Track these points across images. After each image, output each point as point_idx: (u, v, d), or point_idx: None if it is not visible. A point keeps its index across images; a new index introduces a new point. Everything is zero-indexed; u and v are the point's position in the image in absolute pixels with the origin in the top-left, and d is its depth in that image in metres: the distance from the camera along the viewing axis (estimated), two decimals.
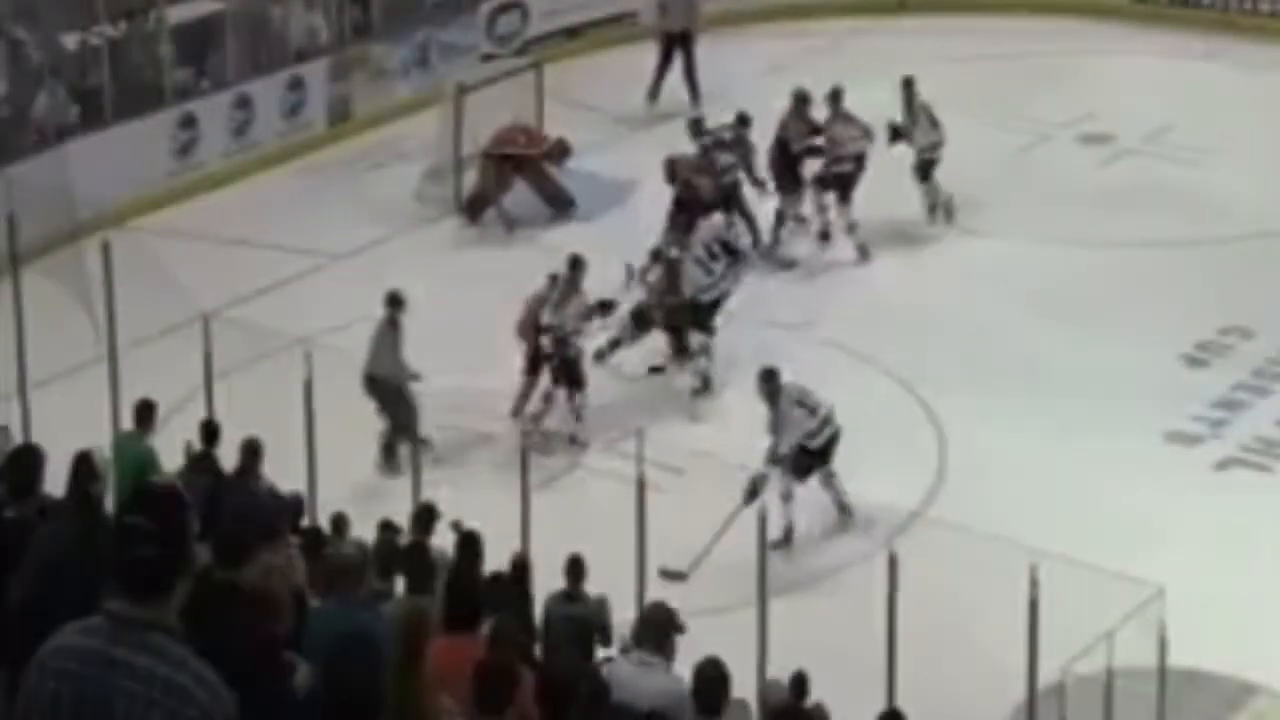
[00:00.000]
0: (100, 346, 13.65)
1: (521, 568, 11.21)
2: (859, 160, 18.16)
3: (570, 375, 15.34)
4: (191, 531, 4.12)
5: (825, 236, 18.41)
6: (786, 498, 14.02)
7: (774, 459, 13.96)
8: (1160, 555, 12.77)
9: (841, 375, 16.00)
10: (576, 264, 15.63)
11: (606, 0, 23.53)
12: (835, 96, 18.39)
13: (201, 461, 12.25)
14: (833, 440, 14.22)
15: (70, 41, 19.78)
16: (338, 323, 16.30)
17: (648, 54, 20.34)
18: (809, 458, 14.15)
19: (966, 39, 21.97)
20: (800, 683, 10.17)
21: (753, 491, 13.57)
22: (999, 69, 22.01)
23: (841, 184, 18.20)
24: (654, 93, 21.26)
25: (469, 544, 10.70)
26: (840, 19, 22.97)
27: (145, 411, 12.73)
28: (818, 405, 14.19)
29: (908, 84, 18.55)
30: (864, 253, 18.28)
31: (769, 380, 14.25)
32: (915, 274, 17.96)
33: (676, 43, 21.30)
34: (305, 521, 11.84)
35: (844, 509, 14.26)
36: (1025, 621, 10.48)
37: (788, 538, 13.99)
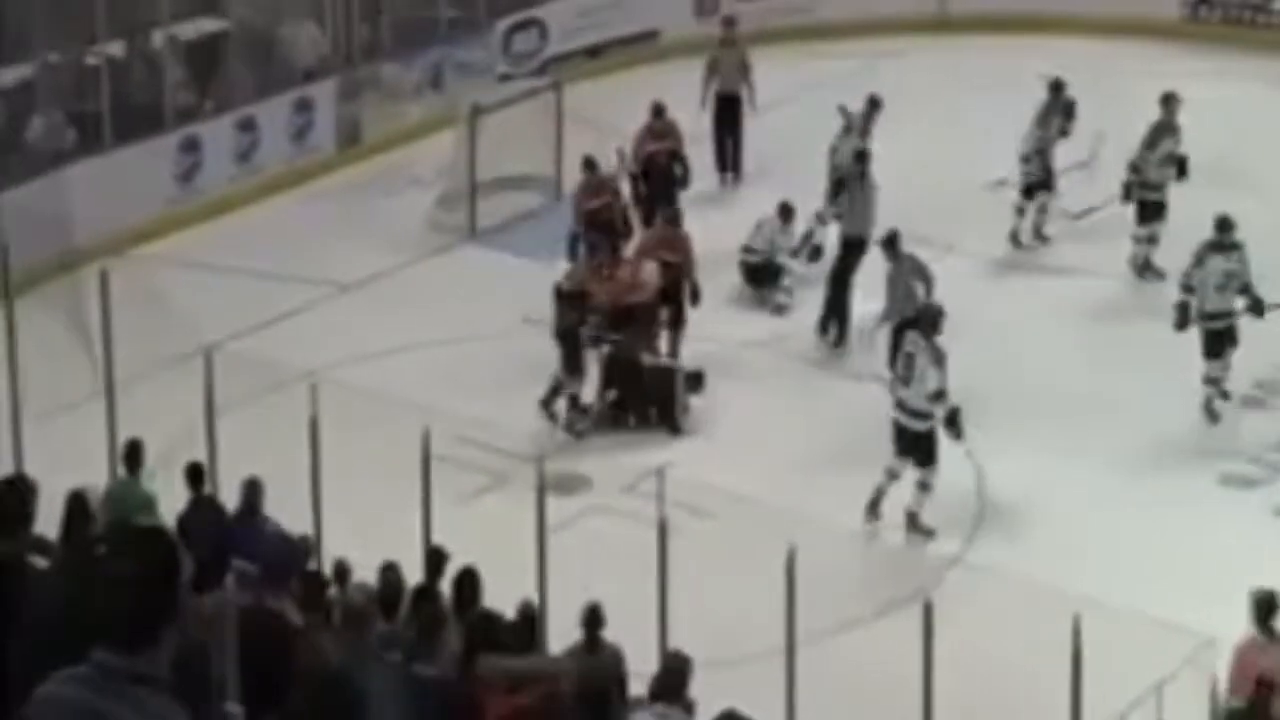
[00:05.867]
0: (97, 381, 13.78)
1: (531, 617, 11.28)
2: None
3: None
4: (179, 576, 4.06)
5: (1016, 240, 19.27)
6: (893, 474, 14.70)
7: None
8: (1216, 604, 12.77)
9: (871, 404, 16.06)
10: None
11: (630, 17, 23.70)
12: (1057, 87, 19.08)
13: (203, 502, 12.38)
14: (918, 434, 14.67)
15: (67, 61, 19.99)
16: (346, 356, 16.45)
17: (673, 74, 20.41)
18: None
19: (1017, 59, 21.93)
20: None
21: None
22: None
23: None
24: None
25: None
26: (867, 39, 22.99)
27: (133, 452, 12.76)
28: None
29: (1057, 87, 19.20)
30: (1042, 238, 19.34)
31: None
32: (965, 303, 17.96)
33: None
34: (312, 565, 11.94)
35: (914, 523, 14.66)
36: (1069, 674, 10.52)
37: (875, 507, 14.71)
